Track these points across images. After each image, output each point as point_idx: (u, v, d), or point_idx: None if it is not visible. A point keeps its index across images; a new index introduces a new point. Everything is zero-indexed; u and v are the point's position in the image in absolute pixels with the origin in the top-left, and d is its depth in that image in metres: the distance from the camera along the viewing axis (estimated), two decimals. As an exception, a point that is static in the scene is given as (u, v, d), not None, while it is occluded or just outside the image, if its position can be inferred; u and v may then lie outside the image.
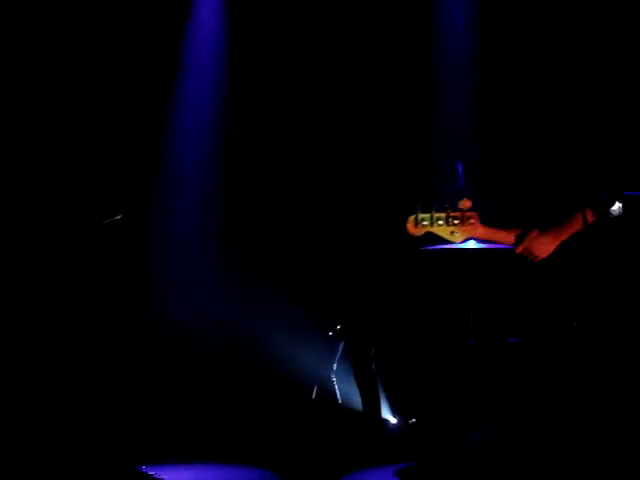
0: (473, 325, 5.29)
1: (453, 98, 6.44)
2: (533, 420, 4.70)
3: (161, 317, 6.47)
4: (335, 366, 6.15)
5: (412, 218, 3.58)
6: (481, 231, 3.59)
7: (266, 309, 6.55)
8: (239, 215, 6.83)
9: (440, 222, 3.55)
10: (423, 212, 3.57)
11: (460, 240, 3.58)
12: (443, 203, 3.57)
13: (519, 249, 3.60)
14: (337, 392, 6.11)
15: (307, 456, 5.61)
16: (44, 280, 5.85)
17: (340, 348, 6.19)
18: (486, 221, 3.60)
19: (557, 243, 3.56)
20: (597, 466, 4.21)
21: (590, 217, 3.56)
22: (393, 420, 6.02)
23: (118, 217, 5.20)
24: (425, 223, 3.56)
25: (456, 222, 3.55)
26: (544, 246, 3.58)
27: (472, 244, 5.26)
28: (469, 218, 3.55)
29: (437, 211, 3.55)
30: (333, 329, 6.24)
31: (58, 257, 5.83)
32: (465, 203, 3.55)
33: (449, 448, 5.22)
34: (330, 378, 6.13)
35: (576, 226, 3.59)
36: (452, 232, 3.56)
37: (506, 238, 3.64)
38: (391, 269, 6.56)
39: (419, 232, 3.60)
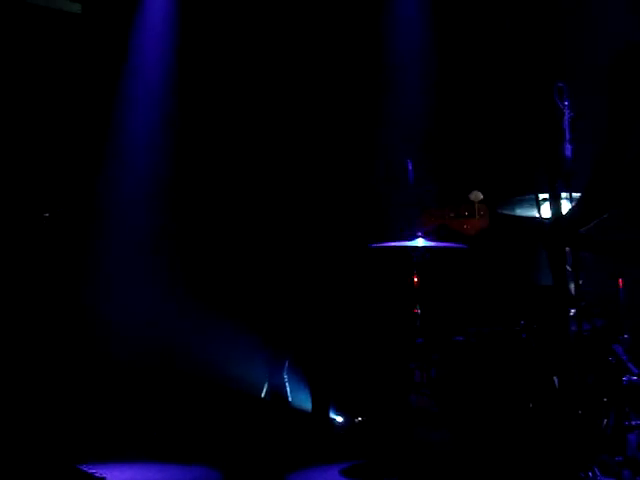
0: (420, 324, 5.29)
1: (403, 96, 6.45)
2: (480, 419, 4.71)
3: (101, 314, 6.36)
4: (287, 364, 6.13)
5: (426, 211, 3.63)
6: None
7: (216, 308, 6.51)
8: (182, 218, 6.75)
9: (452, 215, 3.58)
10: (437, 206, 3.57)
11: (473, 233, 3.63)
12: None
13: None
14: (288, 391, 6.09)
15: (252, 454, 5.58)
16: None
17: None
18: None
19: None
20: (543, 466, 4.24)
21: None
22: (339, 419, 6.00)
23: (46, 214, 5.08)
24: (438, 215, 3.60)
25: (467, 215, 3.58)
26: None
27: (421, 242, 5.25)
28: (480, 211, 3.53)
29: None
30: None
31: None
32: (477, 195, 3.49)
33: (395, 446, 5.21)
34: (282, 377, 6.11)
35: None
36: (465, 225, 3.61)
37: None
38: (339, 266, 6.56)
39: (432, 223, 3.67)
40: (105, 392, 6.16)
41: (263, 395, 6.18)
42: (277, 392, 6.14)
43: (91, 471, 4.78)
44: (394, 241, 5.27)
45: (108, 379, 6.24)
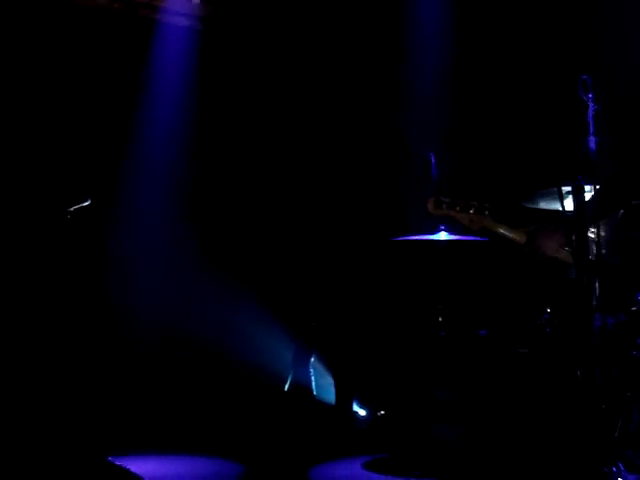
0: (443, 318, 5.27)
1: (425, 89, 6.43)
2: (502, 413, 4.69)
3: (127, 305, 6.39)
4: (313, 358, 6.14)
5: (434, 199, 3.65)
6: (490, 223, 3.64)
7: (240, 301, 6.51)
8: (208, 209, 6.77)
9: (459, 208, 3.63)
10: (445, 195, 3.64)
11: (475, 229, 3.66)
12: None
13: (528, 247, 3.60)
14: (313, 384, 6.10)
15: (275, 447, 5.58)
16: (7, 271, 5.76)
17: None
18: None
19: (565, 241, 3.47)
20: (567, 461, 4.21)
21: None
22: (362, 412, 5.99)
23: (86, 203, 5.10)
24: (445, 205, 3.63)
25: (472, 211, 3.62)
26: (554, 243, 3.56)
27: (443, 235, 5.23)
28: (485, 209, 3.63)
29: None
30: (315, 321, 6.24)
31: (22, 247, 5.74)
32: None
33: (417, 441, 5.20)
34: (307, 370, 6.11)
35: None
36: (470, 220, 3.64)
37: (516, 236, 3.65)
38: (360, 260, 6.55)
39: (438, 212, 3.67)
40: (125, 384, 6.18)
41: (287, 388, 6.19)
42: (301, 385, 6.14)
43: (118, 463, 4.79)
44: (416, 234, 5.26)
45: (129, 371, 6.26)
